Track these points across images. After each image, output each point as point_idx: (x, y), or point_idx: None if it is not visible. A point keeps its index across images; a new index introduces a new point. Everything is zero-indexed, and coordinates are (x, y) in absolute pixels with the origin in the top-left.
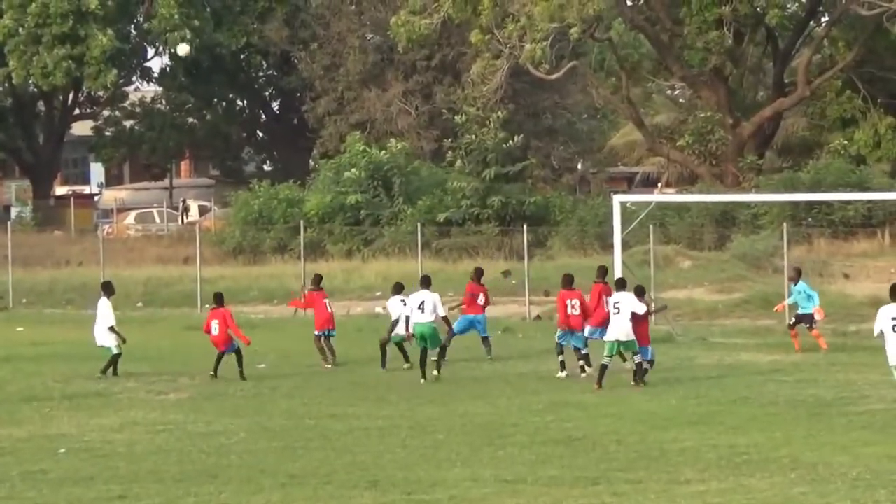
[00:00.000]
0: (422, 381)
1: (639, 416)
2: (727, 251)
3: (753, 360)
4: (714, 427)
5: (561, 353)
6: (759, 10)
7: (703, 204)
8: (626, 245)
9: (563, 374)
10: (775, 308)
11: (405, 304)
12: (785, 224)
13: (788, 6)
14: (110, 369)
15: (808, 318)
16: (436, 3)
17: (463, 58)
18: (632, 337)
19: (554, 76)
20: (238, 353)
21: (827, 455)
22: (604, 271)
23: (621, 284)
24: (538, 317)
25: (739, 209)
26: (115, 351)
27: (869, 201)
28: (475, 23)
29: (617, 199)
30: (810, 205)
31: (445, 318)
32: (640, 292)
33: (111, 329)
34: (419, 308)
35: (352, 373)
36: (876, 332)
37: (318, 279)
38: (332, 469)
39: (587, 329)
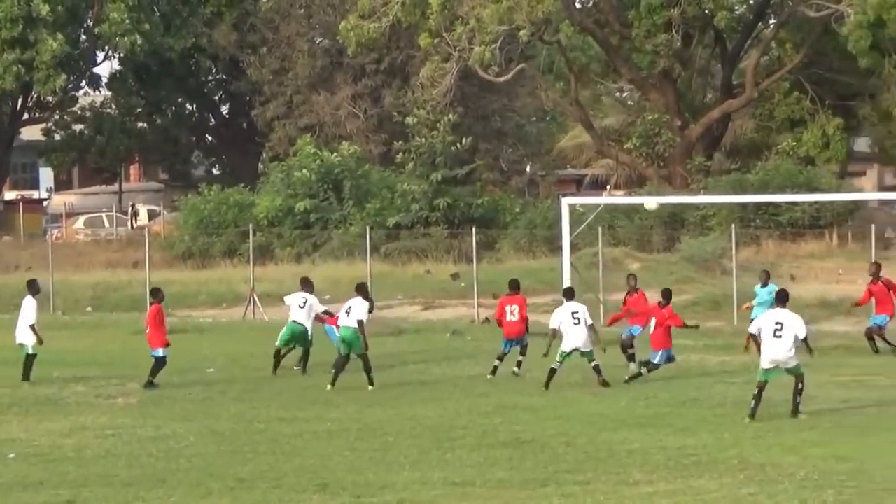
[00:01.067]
0: (328, 387)
1: (587, 418)
2: (676, 253)
3: (702, 362)
4: (662, 428)
5: (500, 358)
6: (707, 12)
7: None
8: (574, 247)
9: (490, 377)
10: (744, 306)
11: (302, 304)
12: (733, 225)
13: (736, 8)
14: (30, 372)
15: None
16: (385, 7)
17: (412, 61)
18: (590, 347)
19: (503, 79)
20: (159, 360)
21: (775, 456)
22: (668, 294)
23: (570, 294)
24: (487, 319)
25: (688, 211)
26: (30, 351)
27: (817, 202)
28: (424, 26)
29: (566, 202)
30: (759, 206)
31: (360, 323)
32: (666, 296)
33: (31, 328)
34: (346, 312)
35: (300, 377)
36: (753, 330)
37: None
38: (281, 472)
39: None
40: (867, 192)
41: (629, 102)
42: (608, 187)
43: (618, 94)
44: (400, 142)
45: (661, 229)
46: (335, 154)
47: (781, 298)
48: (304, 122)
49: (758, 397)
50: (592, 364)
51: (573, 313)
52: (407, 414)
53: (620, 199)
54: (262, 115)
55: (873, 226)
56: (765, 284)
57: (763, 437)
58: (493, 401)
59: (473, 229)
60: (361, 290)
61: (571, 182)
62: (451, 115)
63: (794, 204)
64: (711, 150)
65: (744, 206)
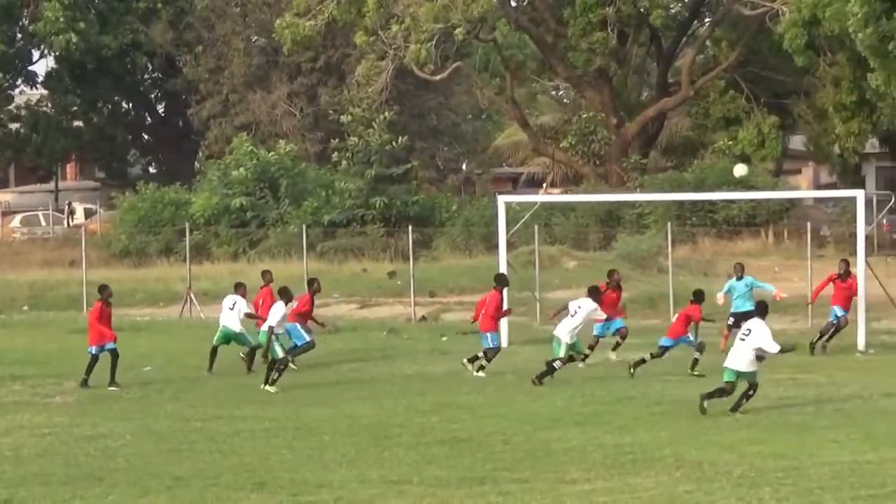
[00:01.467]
0: (263, 385)
1: (525, 417)
2: (612, 251)
3: None
4: (600, 426)
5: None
6: (642, 10)
7: (587, 204)
8: (511, 246)
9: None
10: (719, 301)
11: (231, 307)
12: (669, 223)
13: (672, 6)
14: None
15: (745, 317)
16: (320, 5)
17: (348, 59)
18: (571, 341)
19: (438, 77)
20: (113, 353)
21: (712, 453)
22: (700, 295)
23: (590, 292)
24: (423, 318)
25: (624, 209)
26: None
27: (752, 200)
28: (360, 24)
29: (502, 200)
30: (695, 204)
31: (270, 329)
32: (699, 298)
33: None
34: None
35: (238, 375)
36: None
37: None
38: (218, 471)
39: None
40: (802, 191)
41: (565, 101)
42: (544, 185)
43: (553, 92)
44: (336, 140)
45: (597, 227)
46: (271, 153)
47: (760, 311)
48: (240, 120)
49: (720, 392)
50: (554, 361)
51: (577, 306)
52: (344, 412)
53: (557, 197)
54: (199, 113)
55: (809, 224)
56: (740, 277)
57: (700, 435)
58: (430, 399)
59: (410, 227)
60: (284, 294)
61: (507, 180)
62: (386, 114)
63: (730, 202)
64: (647, 149)
65: (680, 204)
